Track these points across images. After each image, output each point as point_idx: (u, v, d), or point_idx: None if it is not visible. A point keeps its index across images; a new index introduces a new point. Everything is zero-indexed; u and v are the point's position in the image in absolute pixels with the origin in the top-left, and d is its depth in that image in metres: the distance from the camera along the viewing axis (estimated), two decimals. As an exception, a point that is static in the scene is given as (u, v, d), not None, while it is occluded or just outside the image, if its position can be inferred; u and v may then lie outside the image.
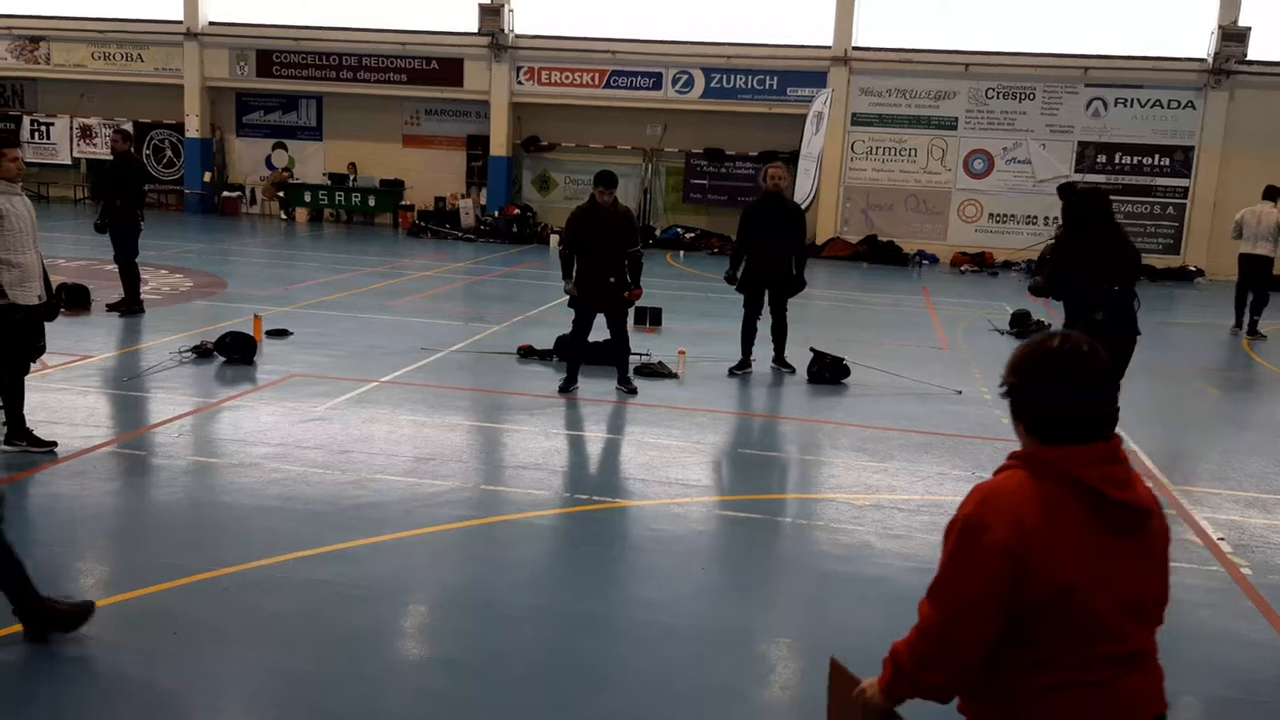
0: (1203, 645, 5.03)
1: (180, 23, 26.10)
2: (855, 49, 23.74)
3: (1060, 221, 7.69)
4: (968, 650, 2.31)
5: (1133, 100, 23.07)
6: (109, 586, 5.10)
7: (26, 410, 6.97)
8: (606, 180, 9.07)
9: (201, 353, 9.91)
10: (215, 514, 6.14)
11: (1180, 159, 23.13)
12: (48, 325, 7.02)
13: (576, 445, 8.10)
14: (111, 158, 12.55)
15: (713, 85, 24.37)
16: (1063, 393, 2.32)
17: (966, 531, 2.31)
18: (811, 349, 10.47)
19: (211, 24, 26.29)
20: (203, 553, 5.46)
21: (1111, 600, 2.29)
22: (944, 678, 2.36)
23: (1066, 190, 9.05)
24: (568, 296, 9.35)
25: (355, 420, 8.13)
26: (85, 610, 4.56)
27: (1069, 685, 2.29)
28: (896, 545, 6.07)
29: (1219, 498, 7.22)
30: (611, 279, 9.08)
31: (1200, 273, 22.74)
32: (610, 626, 4.95)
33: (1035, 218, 23.26)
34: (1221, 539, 6.36)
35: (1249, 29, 21.84)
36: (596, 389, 9.41)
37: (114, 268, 12.30)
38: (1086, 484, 2.27)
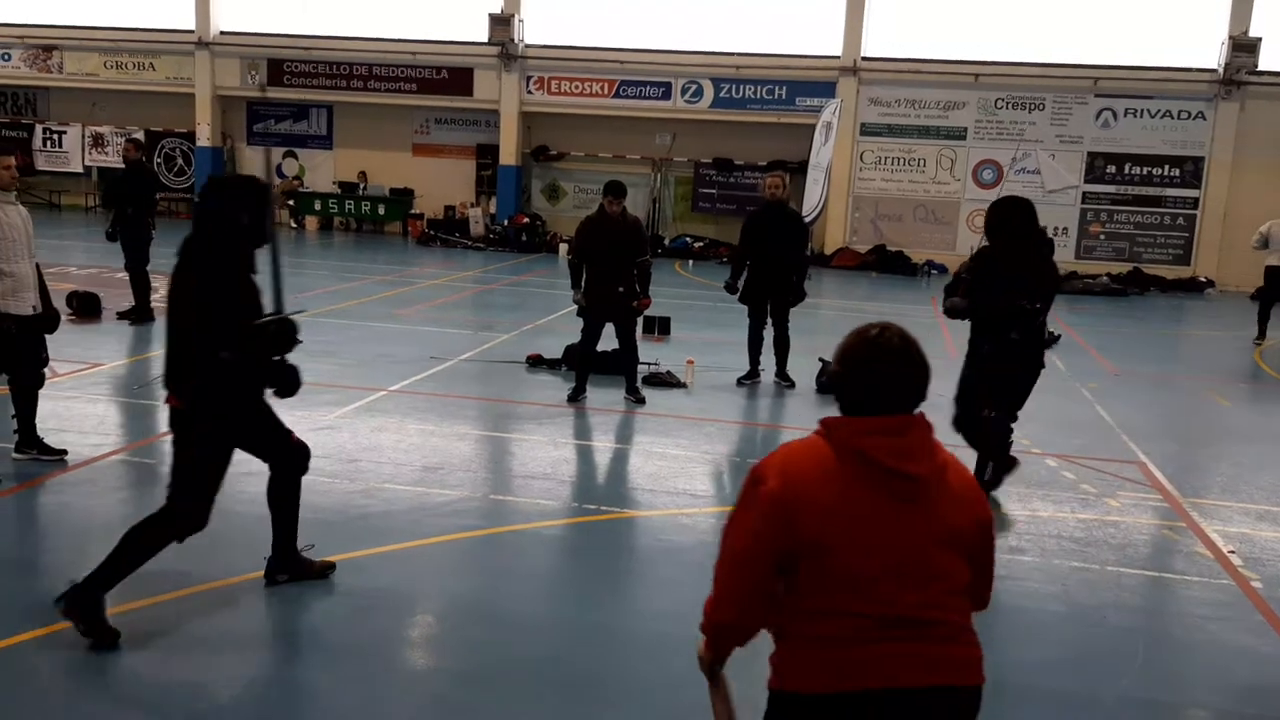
0: (1214, 659, 5.00)
1: (192, 32, 26.24)
2: (864, 59, 23.76)
3: (983, 238, 6.85)
4: (745, 592, 2.49)
5: (1143, 111, 23.04)
6: (117, 596, 5.07)
7: (37, 418, 6.98)
8: (616, 190, 9.08)
9: (211, 361, 9.92)
10: (224, 523, 6.10)
11: (1190, 170, 23.08)
12: (52, 335, 7.01)
13: (585, 455, 8.11)
14: (124, 166, 12.60)
15: (722, 95, 24.41)
16: (857, 370, 2.54)
17: (749, 481, 2.53)
18: (820, 359, 10.45)
19: (223, 33, 26.42)
20: (211, 562, 5.45)
21: (877, 563, 2.39)
22: (729, 617, 2.53)
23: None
24: (576, 306, 9.35)
25: (363, 429, 8.14)
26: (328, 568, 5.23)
27: (830, 636, 2.40)
28: (905, 557, 6.04)
29: (1229, 510, 7.19)
30: (620, 288, 9.08)
31: (1210, 284, 22.67)
32: (619, 638, 4.94)
33: (1045, 229, 23.23)
34: (1232, 552, 6.32)
35: (1259, 39, 21.80)
36: (605, 398, 9.41)
37: (125, 276, 12.35)
38: (862, 451, 2.43)
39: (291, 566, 5.22)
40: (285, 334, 4.72)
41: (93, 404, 8.56)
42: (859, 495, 2.42)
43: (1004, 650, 4.90)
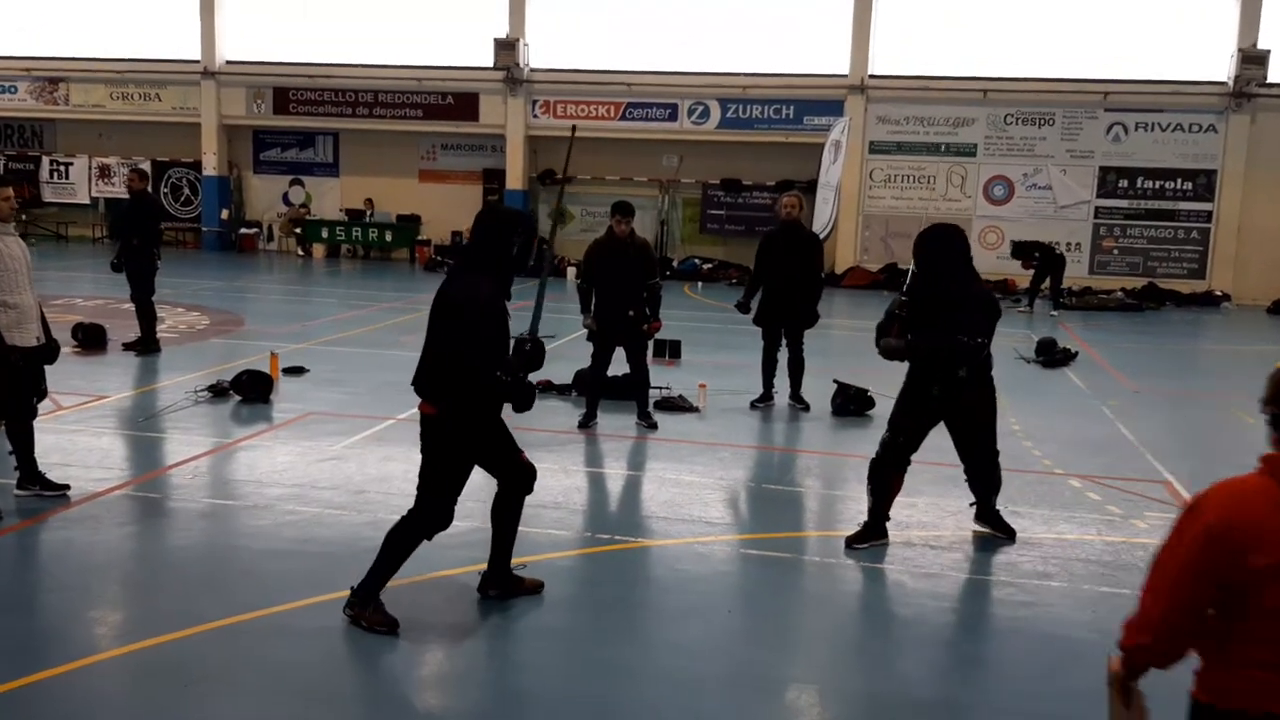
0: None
1: (197, 62, 26.29)
2: (871, 77, 23.68)
3: (914, 269, 6.31)
4: (1173, 620, 2.58)
5: (1153, 124, 22.91)
6: (122, 635, 4.95)
7: (40, 452, 6.86)
8: (624, 209, 8.96)
9: (217, 392, 9.81)
10: (230, 558, 6.00)
11: (1203, 183, 22.91)
12: (55, 367, 6.90)
13: (597, 483, 7.94)
14: (129, 196, 12.52)
15: (729, 116, 24.35)
16: None
17: (1187, 514, 2.59)
18: (835, 381, 10.30)
19: (228, 63, 26.48)
20: (218, 599, 5.31)
21: None
22: (1153, 642, 2.63)
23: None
24: (586, 330, 9.21)
25: (372, 459, 7.99)
26: (538, 586, 5.47)
27: (1271, 663, 2.51)
28: (929, 585, 5.87)
29: (1262, 530, 6.98)
30: (630, 312, 8.94)
31: (1226, 297, 22.46)
32: (638, 672, 4.77)
33: (1057, 244, 23.04)
34: (1268, 574, 6.11)
35: (1269, 51, 21.68)
36: (616, 424, 9.25)
37: (130, 306, 12.25)
38: None
39: (504, 582, 5.42)
40: (538, 355, 5.08)
41: (97, 437, 8.43)
42: None
43: (1035, 681, 4.72)
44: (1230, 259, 22.87)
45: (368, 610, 5.00)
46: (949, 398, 6.21)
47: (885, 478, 6.36)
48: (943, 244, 6.19)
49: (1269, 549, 2.47)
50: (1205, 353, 17.27)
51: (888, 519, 6.43)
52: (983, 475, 6.51)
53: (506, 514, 5.40)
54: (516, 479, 5.36)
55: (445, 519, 5.11)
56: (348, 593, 5.11)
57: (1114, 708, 2.85)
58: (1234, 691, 2.59)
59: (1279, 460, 2.57)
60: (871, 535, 6.39)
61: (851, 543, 6.34)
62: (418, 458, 7.97)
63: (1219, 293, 22.59)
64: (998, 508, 6.65)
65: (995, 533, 6.63)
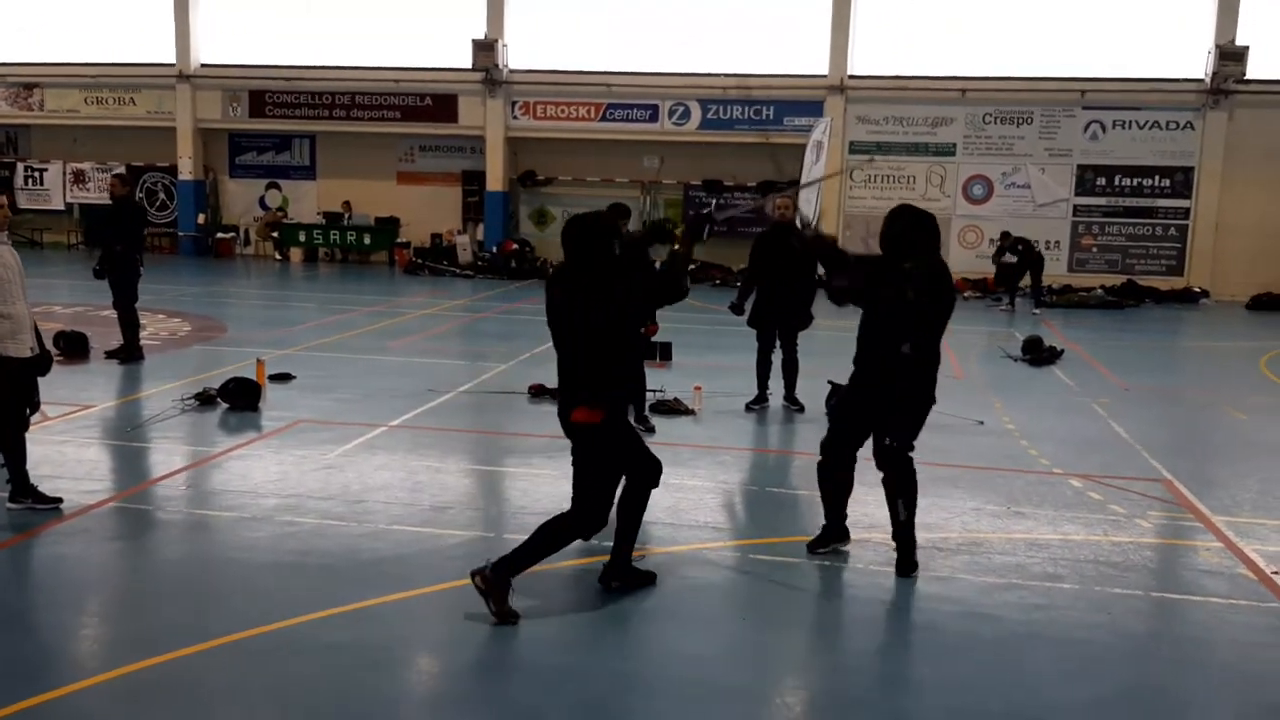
0: (1273, 689, 4.77)
1: (172, 65, 26.02)
2: (851, 77, 23.70)
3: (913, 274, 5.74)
4: None
5: (1131, 122, 23.04)
6: (121, 653, 4.82)
7: (29, 464, 6.71)
8: (620, 211, 8.88)
9: (205, 400, 9.65)
10: (229, 572, 5.87)
11: (1181, 180, 23.06)
12: (43, 378, 6.76)
13: (597, 488, 7.85)
14: (110, 202, 12.31)
15: (709, 116, 24.31)
16: None
17: None
18: (829, 382, 10.23)
19: (203, 66, 26.21)
20: (218, 614, 5.19)
21: None
22: None
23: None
24: None
25: (367, 468, 7.87)
26: (651, 579, 5.66)
27: None
28: (940, 589, 5.81)
29: (1265, 528, 6.99)
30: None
31: (1205, 294, 22.61)
32: (653, 684, 4.69)
33: (1036, 242, 23.12)
34: (1276, 572, 6.12)
35: (1246, 48, 21.82)
36: (612, 428, 9.15)
37: (112, 314, 12.06)
38: None
39: (625, 574, 5.59)
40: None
41: (85, 448, 8.27)
42: None
43: (1059, 688, 4.68)
44: (1208, 255, 23.03)
45: (502, 592, 5.13)
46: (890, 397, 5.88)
47: (830, 476, 6.13)
48: (921, 230, 5.86)
49: None
50: (1188, 349, 17.36)
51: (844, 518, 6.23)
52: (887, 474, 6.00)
53: (634, 507, 5.53)
54: (647, 472, 5.49)
55: (604, 520, 5.35)
56: (358, 606, 5.01)
57: None
58: None
59: None
60: (828, 539, 6.20)
61: (810, 547, 6.19)
62: (416, 465, 7.97)
63: (1197, 289, 22.73)
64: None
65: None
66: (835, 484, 6.16)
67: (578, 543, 6.30)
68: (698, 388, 10.13)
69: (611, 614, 5.43)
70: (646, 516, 6.99)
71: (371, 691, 4.53)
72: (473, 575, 5.20)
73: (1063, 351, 13.95)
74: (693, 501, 7.23)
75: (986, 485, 7.81)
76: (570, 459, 5.39)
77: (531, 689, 4.61)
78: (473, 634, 5.17)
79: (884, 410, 5.94)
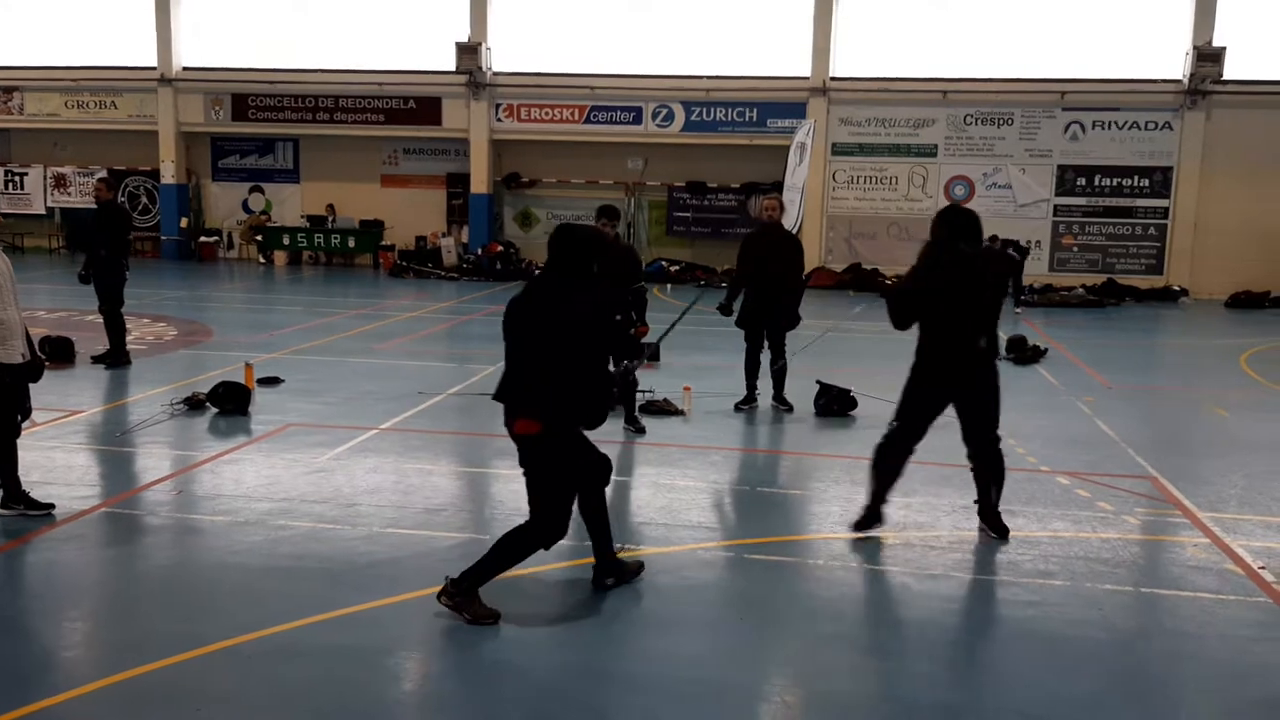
0: (1264, 683, 4.84)
1: (154, 69, 25.90)
2: (833, 79, 23.81)
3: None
4: None
5: (1110, 123, 23.22)
6: (121, 660, 4.81)
7: (20, 470, 6.69)
8: (610, 213, 8.93)
9: (194, 404, 9.64)
10: (226, 576, 5.88)
11: (1159, 179, 23.26)
12: (34, 384, 6.74)
13: (590, 489, 7.88)
14: (95, 206, 12.25)
15: (693, 118, 24.37)
16: None
17: None
18: (818, 381, 10.32)
19: (185, 69, 26.11)
20: (218, 619, 5.19)
21: None
22: None
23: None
24: None
25: (359, 471, 7.88)
26: (640, 567, 5.76)
27: None
28: (935, 586, 5.87)
29: (1250, 524, 7.07)
30: (617, 316, 8.87)
31: (1184, 292, 22.81)
32: (653, 685, 4.71)
33: (1017, 241, 23.28)
34: (1263, 568, 6.19)
35: (1223, 49, 22.02)
36: (604, 429, 9.14)
37: (97, 318, 12.01)
38: None
39: (615, 570, 5.66)
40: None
41: (75, 454, 8.25)
42: None
43: (1055, 683, 4.73)
44: (1187, 254, 23.23)
45: (471, 603, 5.16)
46: (962, 375, 6.37)
47: (886, 463, 6.55)
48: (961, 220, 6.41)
49: None
50: (1169, 347, 17.51)
51: (885, 503, 6.62)
52: (985, 459, 6.54)
53: (595, 508, 5.58)
54: (597, 474, 5.54)
55: (563, 529, 5.32)
56: (354, 609, 5.02)
57: None
58: None
59: None
60: (872, 520, 6.59)
61: (854, 526, 6.58)
62: (409, 467, 7.98)
63: (1177, 288, 22.93)
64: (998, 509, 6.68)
65: (990, 533, 6.65)
66: (893, 472, 6.54)
67: (574, 539, 6.34)
68: (687, 388, 10.17)
69: (607, 615, 5.46)
70: (640, 517, 7.07)
71: (371, 694, 4.55)
72: (439, 598, 5.22)
73: (1046, 350, 14.07)
74: (685, 502, 7.27)
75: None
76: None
77: (528, 691, 4.63)
78: (470, 636, 5.19)
79: (969, 404, 6.42)
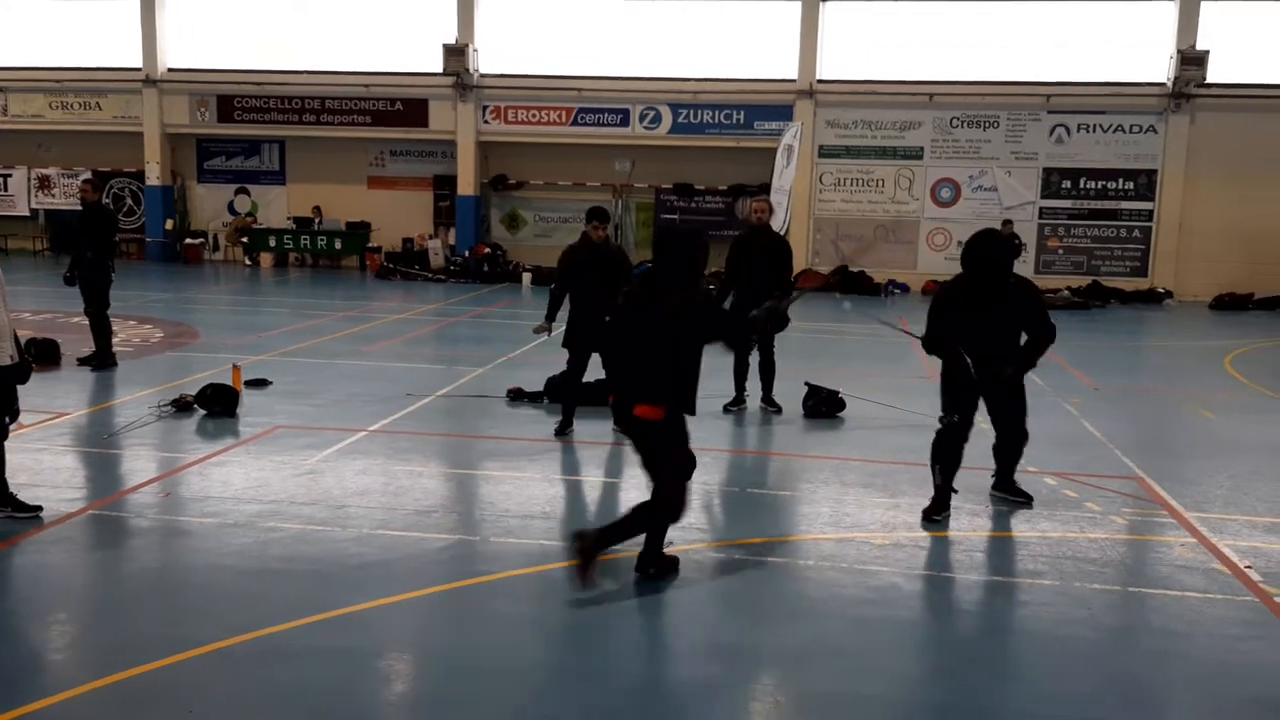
0: (1253, 680, 4.87)
1: (139, 70, 25.79)
2: (820, 82, 23.87)
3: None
4: None
5: (1095, 126, 23.34)
6: (113, 662, 4.79)
7: (7, 472, 6.65)
8: (601, 215, 8.97)
9: (181, 406, 9.61)
10: (217, 578, 5.86)
11: (1144, 182, 23.39)
12: (20, 386, 6.70)
13: (581, 491, 7.90)
14: (80, 207, 12.19)
15: (680, 121, 24.39)
16: None
17: None
18: (806, 383, 10.35)
19: (171, 70, 26.01)
20: (209, 621, 5.18)
21: None
22: None
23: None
24: (543, 335, 9.26)
25: (348, 472, 7.86)
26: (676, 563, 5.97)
27: None
28: (925, 587, 5.90)
29: (1236, 524, 7.12)
30: (607, 318, 8.89)
31: (1169, 294, 22.94)
32: (650, 687, 4.72)
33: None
34: (1249, 567, 6.24)
35: (1207, 52, 22.15)
36: (593, 430, 9.21)
37: (83, 320, 11.95)
38: None
39: (657, 561, 5.83)
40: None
41: (62, 456, 8.21)
42: None
43: (1046, 683, 4.76)
44: (1171, 256, 23.36)
45: (592, 559, 5.51)
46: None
47: (952, 452, 7.06)
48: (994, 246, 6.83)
49: None
50: (1154, 349, 17.61)
51: (954, 491, 7.12)
52: (1014, 437, 7.24)
53: (640, 518, 5.78)
54: (689, 464, 5.86)
55: (685, 505, 5.83)
56: (346, 611, 5.01)
57: None
58: None
59: None
60: (944, 505, 7.07)
61: (929, 514, 7.02)
62: (398, 469, 7.97)
63: (1161, 290, 23.05)
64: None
65: (1014, 499, 7.34)
66: (959, 458, 7.07)
67: (564, 541, 6.36)
68: (676, 390, 10.16)
69: (599, 615, 5.46)
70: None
71: (362, 696, 4.54)
72: (576, 538, 5.55)
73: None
74: (676, 503, 7.27)
75: (964, 484, 7.84)
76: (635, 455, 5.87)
77: (520, 691, 4.63)
78: (466, 637, 5.20)
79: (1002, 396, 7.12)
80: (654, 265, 5.71)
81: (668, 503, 5.66)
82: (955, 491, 7.10)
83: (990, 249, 6.77)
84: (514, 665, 4.87)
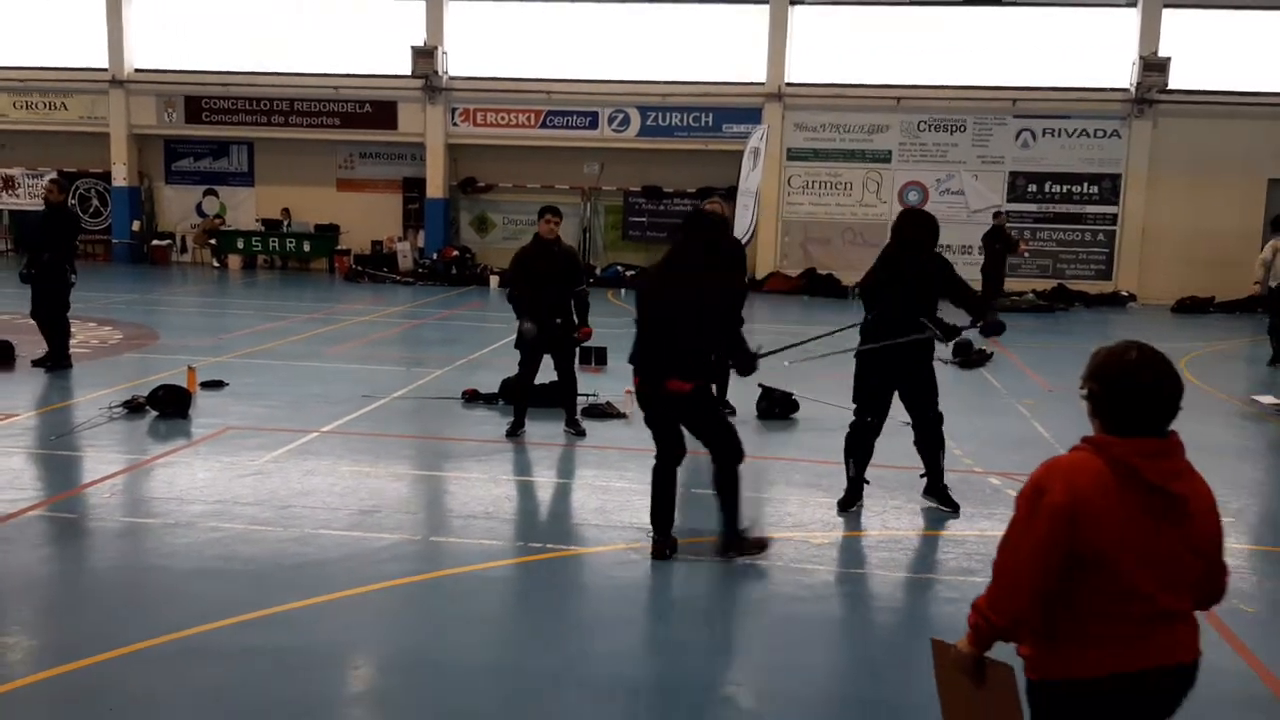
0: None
1: (105, 70, 25.64)
2: (788, 85, 23.98)
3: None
4: (1029, 594, 2.75)
5: (1060, 130, 23.54)
6: (38, 661, 4.80)
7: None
8: (552, 210, 9.03)
9: (133, 407, 9.58)
10: (151, 578, 5.86)
11: (1108, 187, 23.61)
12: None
13: (527, 491, 7.93)
14: (43, 207, 12.10)
15: (648, 123, 24.45)
16: (1125, 390, 2.79)
17: (1032, 493, 2.77)
18: (760, 385, 10.40)
19: (138, 71, 25.87)
20: (139, 620, 5.18)
21: (1149, 574, 2.72)
22: (1010, 619, 2.79)
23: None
24: (515, 337, 9.18)
25: (295, 473, 7.87)
26: (764, 543, 6.27)
27: (1106, 634, 2.74)
28: (858, 584, 5.96)
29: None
30: (558, 319, 8.94)
31: (1132, 297, 23.17)
32: (572, 682, 4.76)
33: (970, 247, 23.47)
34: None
35: (1169, 59, 22.39)
36: (544, 431, 9.24)
37: (30, 321, 11.81)
38: (1136, 470, 2.72)
39: (739, 544, 6.14)
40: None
41: (8, 457, 8.17)
42: (1132, 510, 2.71)
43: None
44: (1135, 260, 23.60)
45: (745, 542, 6.08)
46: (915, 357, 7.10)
47: (864, 447, 7.25)
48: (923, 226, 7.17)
49: (1105, 526, 2.70)
50: (1114, 352, 17.75)
51: (866, 483, 7.34)
52: (930, 421, 7.23)
53: (726, 482, 6.14)
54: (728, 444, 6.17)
55: (741, 443, 6.18)
56: (279, 609, 5.02)
57: (958, 692, 2.99)
58: (1070, 662, 2.80)
59: (1101, 441, 2.79)
60: (857, 497, 7.28)
61: (843, 506, 7.23)
62: (345, 470, 7.98)
63: (1125, 293, 23.28)
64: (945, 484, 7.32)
65: (942, 507, 7.25)
66: (870, 451, 7.27)
67: (504, 540, 6.40)
68: (629, 391, 10.20)
69: (537, 613, 5.50)
70: (574, 518, 7.12)
71: (291, 694, 4.56)
72: (755, 548, 6.17)
73: (992, 354, 14.23)
74: (620, 503, 7.33)
75: (908, 484, 7.96)
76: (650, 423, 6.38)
77: (452, 689, 4.66)
78: (395, 636, 5.22)
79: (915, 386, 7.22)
80: (679, 250, 6.10)
81: (731, 447, 6.04)
82: (867, 483, 7.34)
83: (910, 227, 7.21)
84: (444, 663, 4.89)
